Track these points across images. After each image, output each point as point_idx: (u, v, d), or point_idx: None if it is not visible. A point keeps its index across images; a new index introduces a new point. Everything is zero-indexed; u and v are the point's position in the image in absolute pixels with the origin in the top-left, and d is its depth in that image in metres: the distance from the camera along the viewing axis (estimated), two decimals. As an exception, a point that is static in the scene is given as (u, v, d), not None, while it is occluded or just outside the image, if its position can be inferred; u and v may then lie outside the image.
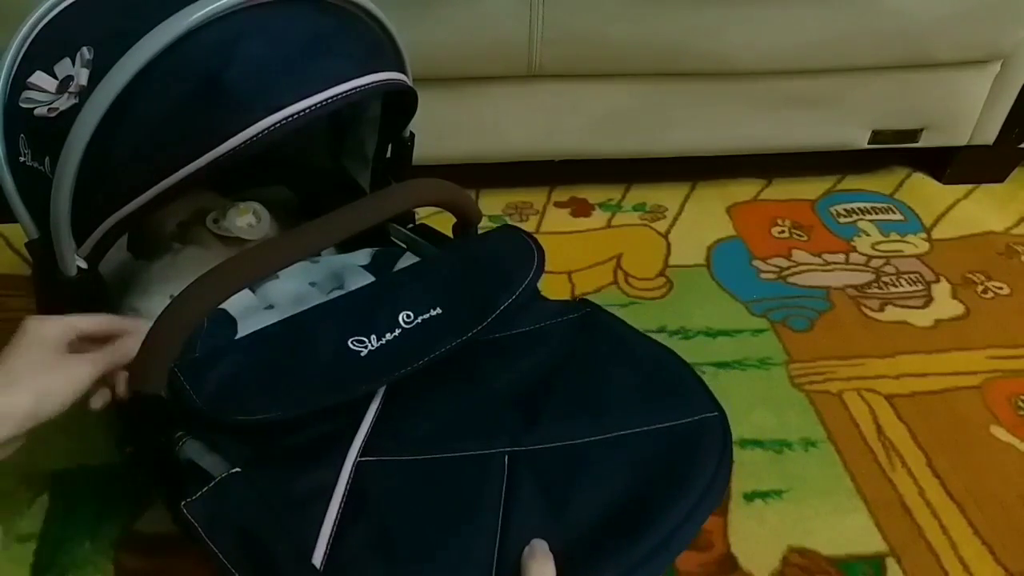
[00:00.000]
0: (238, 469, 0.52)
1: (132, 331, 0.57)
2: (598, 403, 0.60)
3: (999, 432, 0.86)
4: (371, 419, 0.58)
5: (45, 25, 0.61)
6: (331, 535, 0.50)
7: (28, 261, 0.63)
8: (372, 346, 0.60)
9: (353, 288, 0.68)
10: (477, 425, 0.58)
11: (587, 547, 0.50)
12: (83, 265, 0.58)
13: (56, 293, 0.60)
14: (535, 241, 0.71)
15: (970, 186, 1.30)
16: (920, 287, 1.08)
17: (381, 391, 0.61)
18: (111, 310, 0.63)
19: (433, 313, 0.63)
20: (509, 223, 0.69)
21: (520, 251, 0.70)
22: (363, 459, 0.55)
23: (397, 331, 0.61)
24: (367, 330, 0.61)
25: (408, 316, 0.62)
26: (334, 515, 0.51)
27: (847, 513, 0.78)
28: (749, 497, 0.79)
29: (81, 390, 0.53)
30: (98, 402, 0.56)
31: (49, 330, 0.53)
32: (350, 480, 0.53)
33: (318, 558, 0.48)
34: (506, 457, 0.56)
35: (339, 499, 0.52)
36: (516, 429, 0.58)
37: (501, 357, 0.64)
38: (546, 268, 0.71)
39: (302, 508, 0.51)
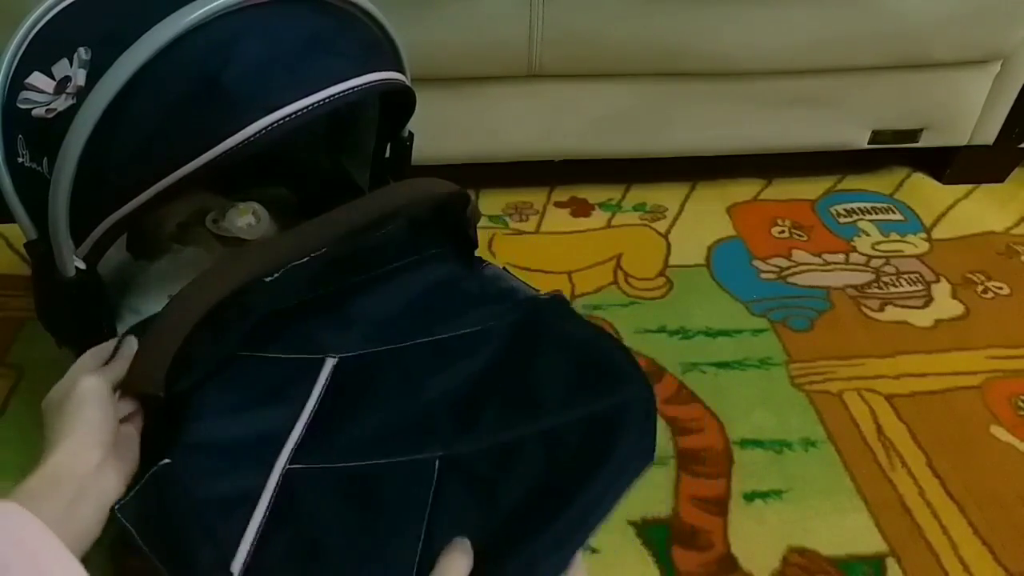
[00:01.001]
0: (168, 461, 0.52)
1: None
2: (531, 402, 0.60)
3: (999, 432, 0.86)
4: (304, 422, 0.59)
5: (43, 26, 0.61)
6: (253, 542, 0.50)
7: (28, 261, 0.63)
8: (275, 274, 0.59)
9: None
10: (410, 432, 0.58)
11: (506, 536, 0.50)
12: (81, 265, 0.58)
13: (55, 293, 0.60)
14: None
15: (970, 186, 1.29)
16: (920, 287, 1.08)
17: (317, 394, 0.61)
18: (110, 311, 0.63)
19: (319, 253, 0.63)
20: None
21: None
22: (291, 467, 0.55)
23: (304, 259, 0.61)
24: None
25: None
26: (258, 522, 0.51)
27: (847, 513, 0.77)
28: (749, 497, 0.79)
29: (97, 398, 0.51)
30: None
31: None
32: (277, 488, 0.54)
33: (237, 566, 0.49)
34: (437, 462, 0.56)
35: (264, 507, 0.52)
36: (450, 436, 0.58)
37: (442, 359, 0.64)
38: (546, 268, 0.71)
39: (227, 512, 0.52)
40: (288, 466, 0.56)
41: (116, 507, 0.49)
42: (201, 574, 0.47)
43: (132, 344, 0.56)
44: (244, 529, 0.51)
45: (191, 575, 0.47)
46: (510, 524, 0.51)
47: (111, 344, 0.57)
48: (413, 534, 0.51)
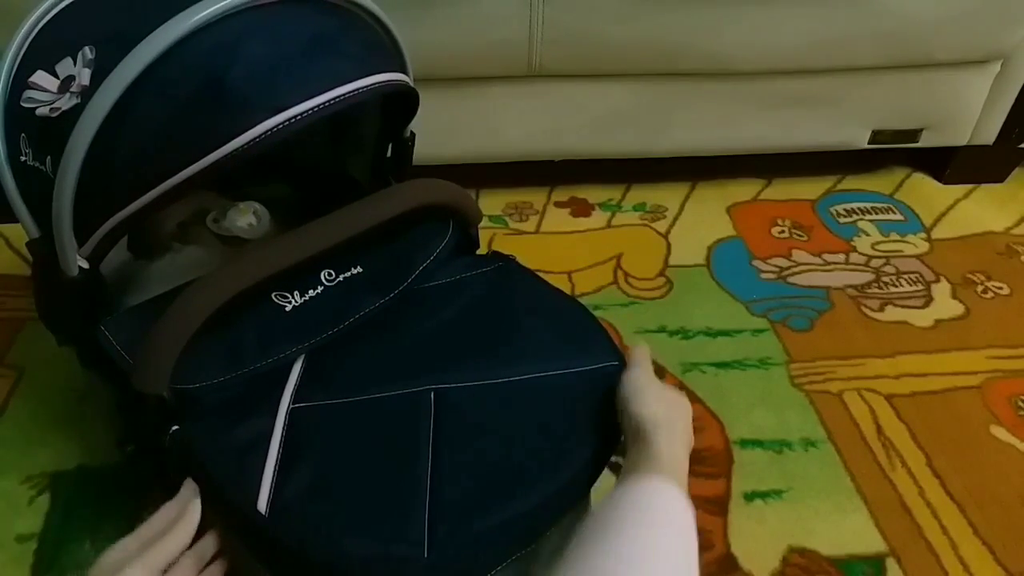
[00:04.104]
0: (176, 427, 0.55)
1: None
2: (513, 348, 0.64)
3: (999, 432, 0.86)
4: (300, 366, 0.61)
5: (46, 24, 0.60)
6: (272, 481, 0.52)
7: (28, 261, 0.63)
8: (296, 302, 0.62)
9: None
10: (401, 366, 0.61)
11: (511, 475, 0.54)
12: (84, 265, 0.58)
13: (57, 293, 0.60)
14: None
15: (970, 186, 1.30)
16: (920, 287, 1.08)
17: (305, 343, 0.63)
18: (111, 310, 0.63)
19: (354, 272, 0.66)
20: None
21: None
22: (296, 406, 0.58)
23: (320, 288, 0.64)
24: (290, 286, 0.63)
25: (330, 274, 0.65)
26: (273, 462, 0.54)
27: (847, 513, 0.78)
28: (749, 497, 0.79)
29: None
30: None
31: None
32: (285, 427, 0.56)
33: (262, 504, 0.51)
34: (432, 394, 0.59)
35: (276, 447, 0.55)
36: (439, 369, 0.61)
37: (421, 306, 0.67)
38: (546, 268, 0.71)
39: (244, 456, 0.54)
40: (292, 405, 0.58)
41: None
42: (231, 516, 0.51)
43: (194, 515, 0.53)
44: (262, 470, 0.53)
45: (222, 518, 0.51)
46: (513, 465, 0.55)
47: (162, 517, 0.53)
48: (421, 467, 0.54)
